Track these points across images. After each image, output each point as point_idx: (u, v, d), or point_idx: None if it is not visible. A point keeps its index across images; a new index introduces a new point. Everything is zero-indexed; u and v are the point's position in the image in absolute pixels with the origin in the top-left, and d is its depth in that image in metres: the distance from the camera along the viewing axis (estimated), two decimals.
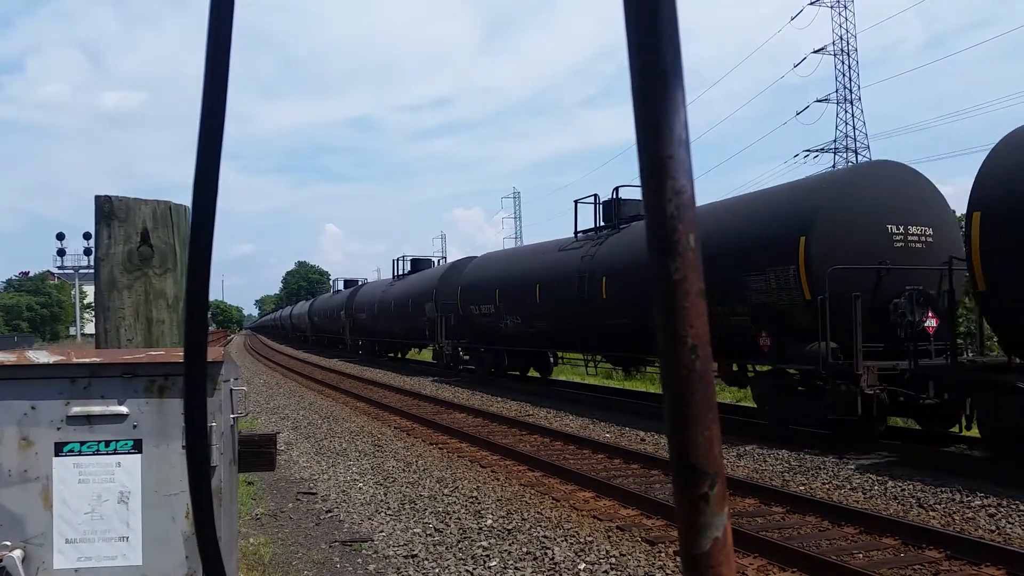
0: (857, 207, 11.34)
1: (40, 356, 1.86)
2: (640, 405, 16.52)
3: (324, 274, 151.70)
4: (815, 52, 54.29)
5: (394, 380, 25.21)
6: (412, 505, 8.86)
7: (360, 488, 9.85)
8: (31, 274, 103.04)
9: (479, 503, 8.72)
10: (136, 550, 1.87)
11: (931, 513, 7.72)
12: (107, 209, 2.14)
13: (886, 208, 11.41)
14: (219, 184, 0.67)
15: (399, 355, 38.35)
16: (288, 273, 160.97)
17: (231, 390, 1.97)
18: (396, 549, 7.23)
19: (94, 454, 1.86)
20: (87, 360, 1.87)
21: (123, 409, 1.87)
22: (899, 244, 11.41)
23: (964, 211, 9.83)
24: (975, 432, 9.97)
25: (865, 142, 54.47)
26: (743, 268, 12.26)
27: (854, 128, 54.32)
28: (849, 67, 54.19)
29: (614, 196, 18.26)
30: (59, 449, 1.85)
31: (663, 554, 6.68)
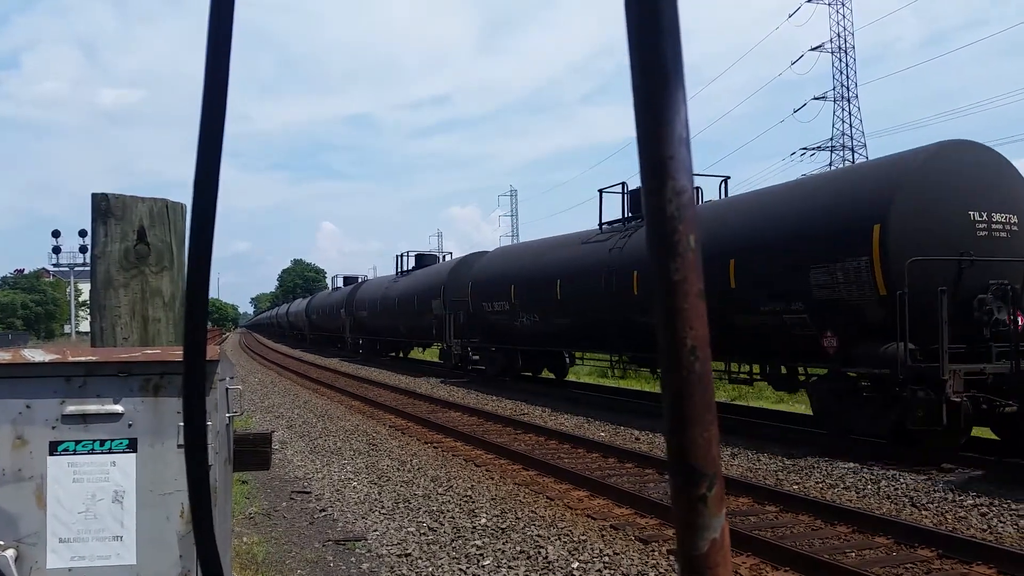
0: (937, 192, 10.19)
1: (35, 355, 1.86)
2: (636, 404, 16.53)
3: (320, 272, 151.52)
4: (813, 49, 54.45)
5: (399, 381, 24.42)
6: (406, 504, 8.85)
7: (354, 487, 9.85)
8: (26, 272, 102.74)
9: (473, 502, 8.72)
10: (130, 549, 1.87)
11: (924, 512, 7.75)
12: (104, 207, 2.14)
13: (968, 193, 10.28)
14: (219, 183, 0.67)
15: (401, 354, 37.42)
16: (284, 271, 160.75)
17: (227, 389, 1.97)
18: (390, 548, 7.22)
19: (89, 453, 1.86)
20: (82, 359, 1.86)
21: (118, 408, 1.87)
22: (983, 233, 10.24)
23: None
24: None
25: (862, 140, 54.60)
26: (802, 260, 11.17)
27: (851, 126, 54.47)
28: (846, 64, 54.37)
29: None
30: (54, 448, 1.85)
31: (656, 553, 6.69)
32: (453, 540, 7.39)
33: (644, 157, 0.43)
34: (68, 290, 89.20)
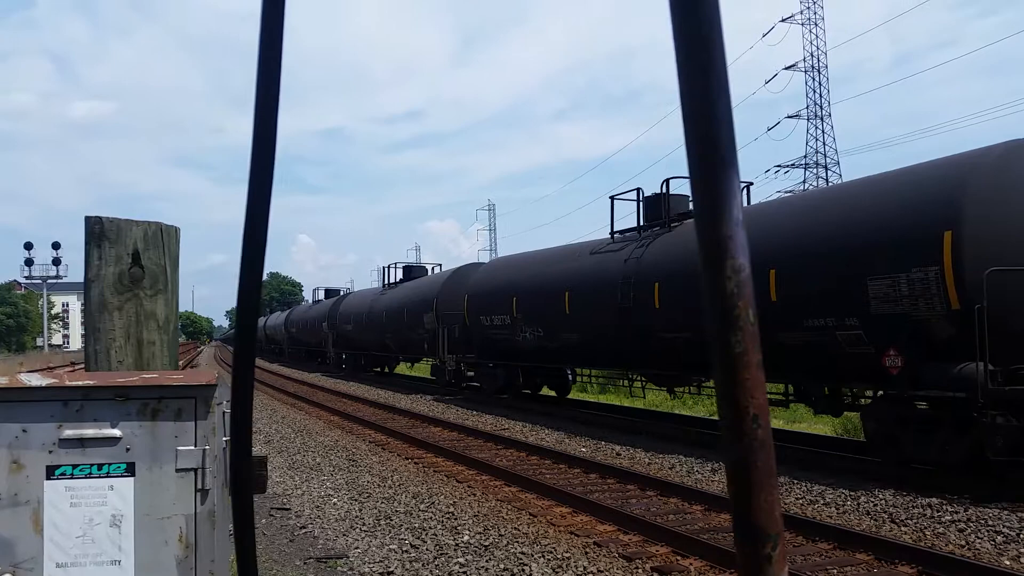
0: (1015, 194, 9.20)
1: (32, 379, 1.85)
2: (616, 420, 16.53)
3: (297, 285, 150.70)
4: (786, 69, 55.19)
5: (389, 398, 23.50)
6: (388, 521, 8.81)
7: (334, 503, 9.79)
8: None
9: (456, 519, 8.70)
10: (128, 574, 1.86)
11: (903, 528, 7.83)
12: (98, 230, 2.14)
13: None
14: (272, 194, 0.70)
15: (386, 369, 36.21)
16: None
17: (223, 412, 1.98)
18: (372, 566, 7.19)
19: (86, 477, 1.85)
20: (80, 383, 1.86)
21: (116, 432, 1.86)
22: None
23: None
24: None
25: (835, 158, 55.35)
26: (858, 271, 10.12)
27: (824, 144, 55.20)
28: (819, 84, 55.17)
29: (663, 190, 15.67)
30: (51, 472, 1.84)
31: (640, 570, 6.70)
32: (436, 558, 7.37)
33: (704, 236, 0.46)
34: (40, 303, 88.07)
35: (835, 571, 6.50)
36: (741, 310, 0.46)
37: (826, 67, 54.98)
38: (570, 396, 21.93)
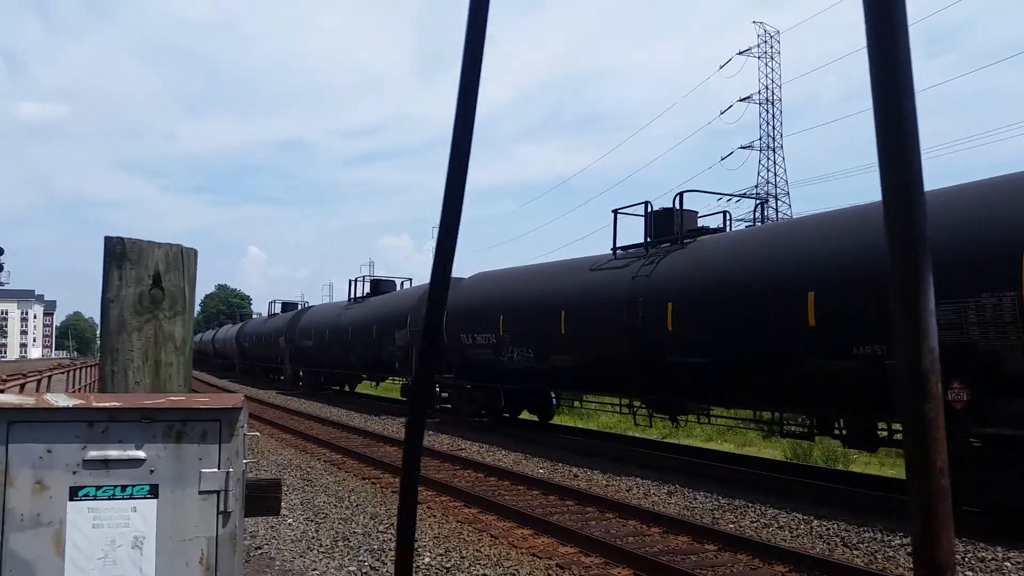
0: None
1: (59, 399, 1.87)
2: (569, 441, 16.60)
3: (246, 298, 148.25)
4: (741, 100, 56.53)
5: (354, 420, 22.27)
6: (346, 542, 8.74)
7: (290, 524, 9.67)
8: None
9: (416, 541, 8.67)
10: None
11: (855, 552, 8.05)
12: (119, 250, 2.16)
13: None
14: (463, 206, 0.76)
15: (346, 388, 34.56)
16: (208, 296, 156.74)
17: (244, 435, 2.01)
18: None
19: (109, 499, 1.87)
20: (106, 404, 1.88)
21: (140, 454, 1.88)
22: None
23: None
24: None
25: (786, 188, 56.76)
26: None
27: (775, 174, 56.58)
28: (772, 116, 56.58)
29: (676, 204, 14.74)
30: (74, 493, 1.85)
31: None
32: None
33: (902, 326, 0.55)
34: None
35: None
36: (933, 384, 0.55)
37: (780, 100, 56.49)
38: (591, 427, 20.61)
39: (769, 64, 55.94)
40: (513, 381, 18.34)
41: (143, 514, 1.88)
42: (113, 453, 1.87)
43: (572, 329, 15.42)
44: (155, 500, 1.89)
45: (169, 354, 2.17)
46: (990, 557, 7.72)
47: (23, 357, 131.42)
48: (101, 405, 1.87)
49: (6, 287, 76.42)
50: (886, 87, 0.59)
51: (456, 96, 0.76)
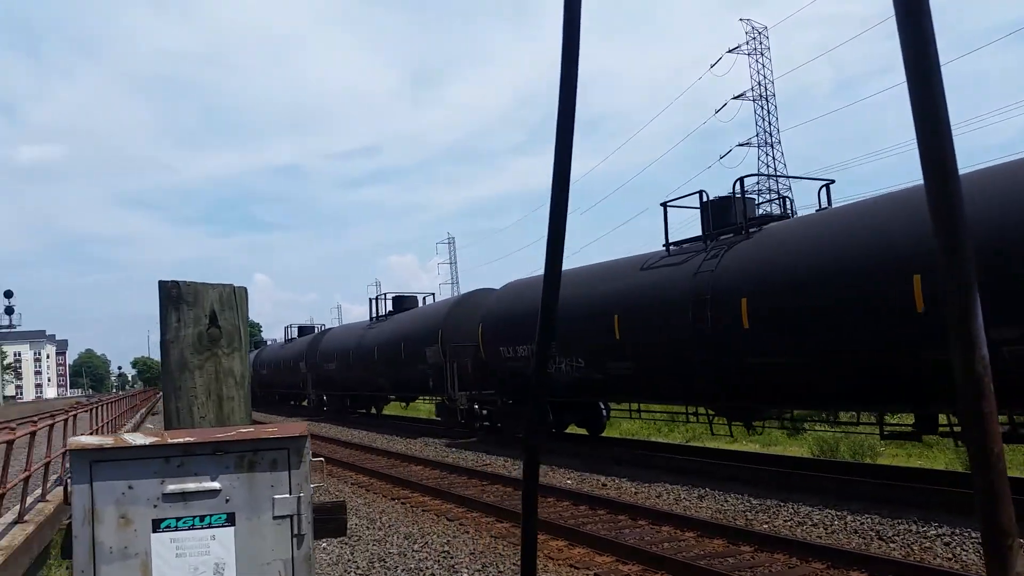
0: None
1: (136, 438, 1.97)
2: (601, 452, 16.57)
3: (255, 325, 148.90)
4: (735, 98, 56.55)
5: (394, 445, 21.09)
6: (382, 563, 8.82)
7: (324, 548, 9.75)
8: None
9: (452, 557, 8.74)
10: None
11: (891, 545, 8.06)
12: (175, 294, 2.27)
13: None
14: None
15: (372, 411, 33.58)
16: None
17: (310, 460, 2.11)
18: None
19: (190, 529, 1.97)
20: (180, 440, 1.98)
21: (215, 485, 1.99)
22: None
23: None
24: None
25: (787, 183, 56.66)
26: None
27: (775, 170, 56.49)
28: (768, 111, 56.56)
29: (736, 191, 13.64)
30: (156, 525, 1.96)
31: None
32: None
33: (957, 337, 0.65)
34: None
35: None
36: (986, 385, 0.65)
37: (773, 95, 56.48)
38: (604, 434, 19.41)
39: (760, 60, 55.98)
40: (561, 394, 16.96)
41: (222, 541, 1.98)
42: (190, 485, 1.98)
43: (628, 334, 14.15)
44: (232, 528, 1.99)
45: (230, 389, 2.28)
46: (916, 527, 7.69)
47: (39, 397, 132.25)
48: (176, 441, 1.98)
49: (18, 329, 77.07)
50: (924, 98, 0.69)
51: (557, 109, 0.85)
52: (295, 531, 2.03)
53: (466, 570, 8.18)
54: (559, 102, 0.87)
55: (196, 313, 2.27)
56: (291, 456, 2.05)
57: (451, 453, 18.42)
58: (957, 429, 10.40)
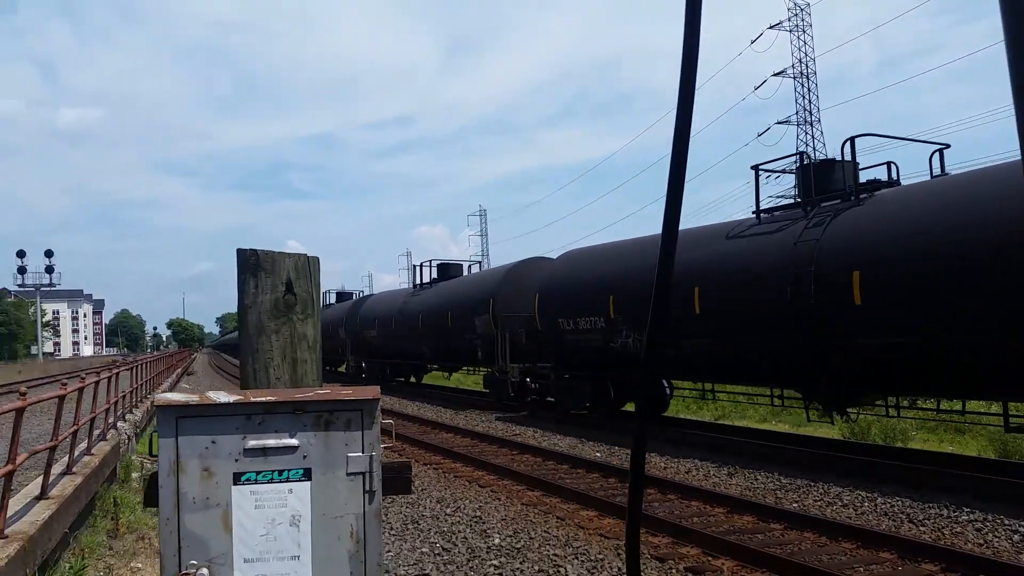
0: None
1: (220, 396, 2.09)
2: (624, 426, 16.63)
3: None
4: (775, 75, 55.52)
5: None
6: (415, 525, 9.02)
7: None
8: None
9: (484, 523, 8.92)
10: (307, 567, 2.10)
11: (921, 528, 8.08)
12: (253, 261, 2.38)
13: None
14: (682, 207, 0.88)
15: (411, 379, 33.04)
16: None
17: (380, 422, 2.21)
18: (407, 568, 7.40)
19: (268, 482, 2.09)
20: (262, 399, 2.10)
21: (294, 441, 2.10)
22: None
23: None
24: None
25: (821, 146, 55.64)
26: None
27: (814, 149, 55.52)
28: (808, 90, 55.45)
29: (843, 154, 12.24)
30: (237, 478, 2.07)
31: (674, 570, 6.94)
32: (469, 560, 7.58)
33: None
34: (32, 310, 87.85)
35: (862, 569, 6.74)
36: None
37: (814, 73, 55.34)
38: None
39: (801, 37, 54.76)
40: (625, 370, 16.08)
41: (298, 495, 2.10)
42: (270, 441, 2.09)
43: (710, 308, 13.05)
44: (308, 483, 2.11)
45: (303, 352, 2.38)
46: (947, 512, 7.70)
47: (76, 355, 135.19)
48: (258, 399, 2.09)
49: (57, 288, 78.62)
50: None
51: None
52: (366, 487, 2.14)
53: (498, 535, 8.34)
54: (682, 57, 0.91)
55: (273, 281, 2.38)
56: (364, 417, 2.16)
57: (506, 427, 17.81)
58: None
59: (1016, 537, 7.61)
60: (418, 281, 29.45)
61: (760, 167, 13.87)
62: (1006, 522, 8.04)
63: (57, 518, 6.80)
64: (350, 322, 36.17)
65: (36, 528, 5.99)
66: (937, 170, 11.66)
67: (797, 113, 56.18)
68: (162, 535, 2.06)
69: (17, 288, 78.24)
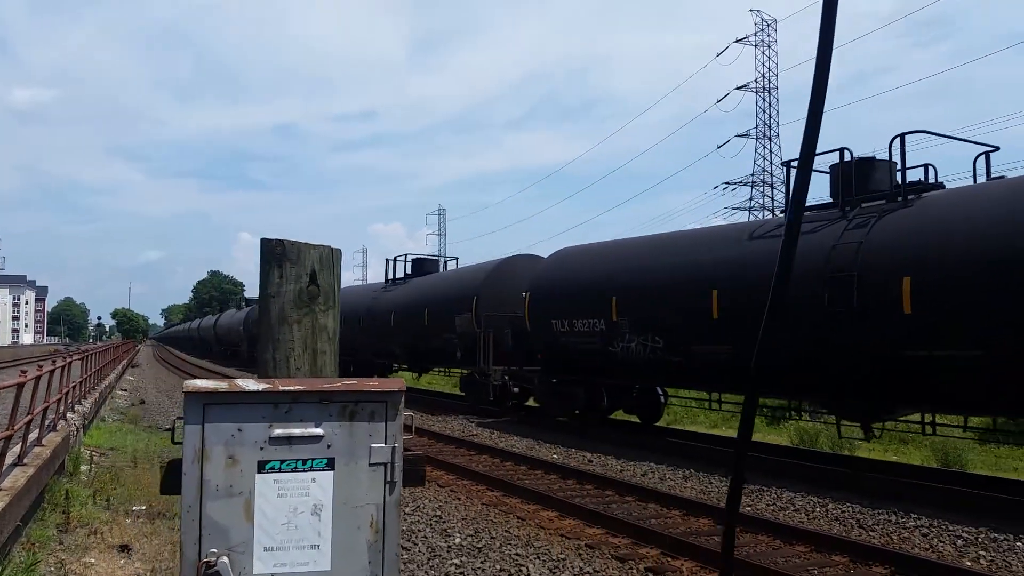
0: None
1: (248, 384, 2.11)
2: (588, 429, 16.76)
3: (238, 284, 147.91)
4: (738, 88, 56.52)
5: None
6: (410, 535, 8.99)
7: None
8: None
9: (444, 522, 8.94)
10: (326, 557, 2.13)
11: (871, 533, 8.35)
12: (279, 251, 2.40)
13: None
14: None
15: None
16: (200, 282, 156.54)
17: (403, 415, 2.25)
18: None
19: (292, 471, 2.12)
20: (289, 388, 2.12)
21: (319, 431, 2.13)
22: None
23: None
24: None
25: (782, 177, 56.92)
26: None
27: (771, 163, 56.67)
28: (770, 104, 56.61)
29: (891, 151, 11.26)
30: (261, 467, 2.10)
31: (634, 570, 7.06)
32: (429, 559, 7.60)
33: None
34: None
35: (816, 571, 6.95)
36: None
37: (776, 88, 56.51)
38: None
39: (766, 52, 55.92)
40: (624, 376, 15.39)
41: (321, 484, 2.13)
42: (296, 431, 2.12)
43: (730, 314, 12.17)
44: (331, 472, 2.14)
45: (323, 343, 2.41)
46: (1002, 538, 8.03)
47: (15, 343, 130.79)
48: (286, 388, 2.12)
49: (1, 273, 76.17)
50: None
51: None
52: (388, 478, 2.18)
53: (458, 534, 8.37)
54: (818, 48, 0.95)
55: (298, 271, 2.40)
56: (388, 409, 2.19)
57: (491, 433, 16.62)
58: None
59: (959, 541, 7.92)
60: (390, 276, 27.83)
61: (791, 163, 13.05)
62: (950, 528, 8.36)
63: (10, 510, 6.64)
64: None
65: None
66: (982, 173, 11.08)
67: (757, 127, 57.27)
68: (183, 522, 2.07)
69: None
